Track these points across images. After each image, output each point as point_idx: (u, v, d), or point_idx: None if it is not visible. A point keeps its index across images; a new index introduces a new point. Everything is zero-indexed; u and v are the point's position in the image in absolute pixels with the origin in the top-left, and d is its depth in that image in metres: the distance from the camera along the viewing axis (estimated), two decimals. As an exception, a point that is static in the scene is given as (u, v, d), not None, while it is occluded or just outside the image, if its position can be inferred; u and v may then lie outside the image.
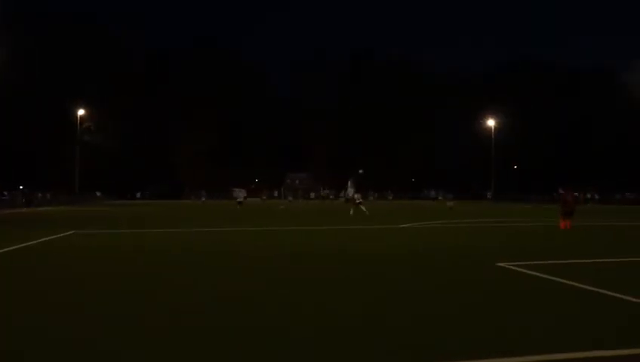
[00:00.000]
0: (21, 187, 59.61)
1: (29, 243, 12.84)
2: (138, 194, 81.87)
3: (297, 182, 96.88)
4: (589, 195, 62.59)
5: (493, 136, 77.17)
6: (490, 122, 78.53)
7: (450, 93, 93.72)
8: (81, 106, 64.40)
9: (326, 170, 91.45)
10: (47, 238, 14.03)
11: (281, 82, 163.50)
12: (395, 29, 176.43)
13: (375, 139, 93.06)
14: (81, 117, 64.72)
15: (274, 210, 32.56)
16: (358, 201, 25.83)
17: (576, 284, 7.11)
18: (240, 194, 30.28)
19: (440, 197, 52.50)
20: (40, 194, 50.82)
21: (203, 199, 60.47)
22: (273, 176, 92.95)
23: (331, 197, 75.60)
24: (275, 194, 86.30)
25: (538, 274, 8.01)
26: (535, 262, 9.37)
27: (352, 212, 24.90)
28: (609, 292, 6.49)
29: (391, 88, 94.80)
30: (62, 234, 15.38)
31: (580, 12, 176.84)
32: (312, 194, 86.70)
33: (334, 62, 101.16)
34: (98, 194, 69.23)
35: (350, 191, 27.25)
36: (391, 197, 79.87)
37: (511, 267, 8.77)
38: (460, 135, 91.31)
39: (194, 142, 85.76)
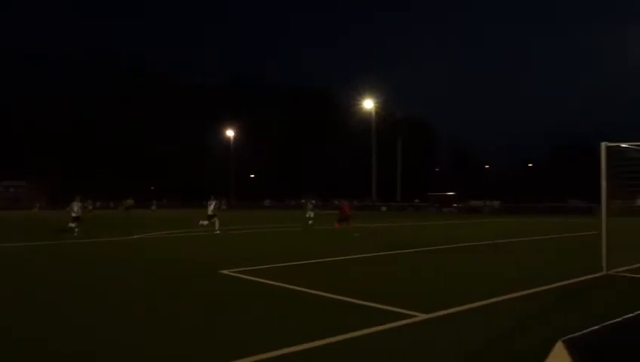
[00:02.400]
0: None
1: None
2: None
3: (12, 190, 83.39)
4: (314, 202, 71.04)
5: (232, 146, 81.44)
6: (230, 133, 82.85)
7: (191, 102, 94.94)
8: None
9: (45, 181, 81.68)
10: None
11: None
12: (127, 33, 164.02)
13: (111, 150, 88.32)
14: None
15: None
16: (211, 214, 22.30)
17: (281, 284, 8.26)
18: (75, 206, 20.73)
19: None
20: None
21: None
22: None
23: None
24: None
25: (257, 279, 8.91)
26: (256, 268, 10.36)
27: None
28: (312, 291, 7.67)
29: (126, 95, 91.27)
30: None
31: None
32: (37, 205, 75.22)
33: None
34: None
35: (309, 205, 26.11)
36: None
37: (235, 274, 9.44)
38: (200, 144, 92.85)
39: None
